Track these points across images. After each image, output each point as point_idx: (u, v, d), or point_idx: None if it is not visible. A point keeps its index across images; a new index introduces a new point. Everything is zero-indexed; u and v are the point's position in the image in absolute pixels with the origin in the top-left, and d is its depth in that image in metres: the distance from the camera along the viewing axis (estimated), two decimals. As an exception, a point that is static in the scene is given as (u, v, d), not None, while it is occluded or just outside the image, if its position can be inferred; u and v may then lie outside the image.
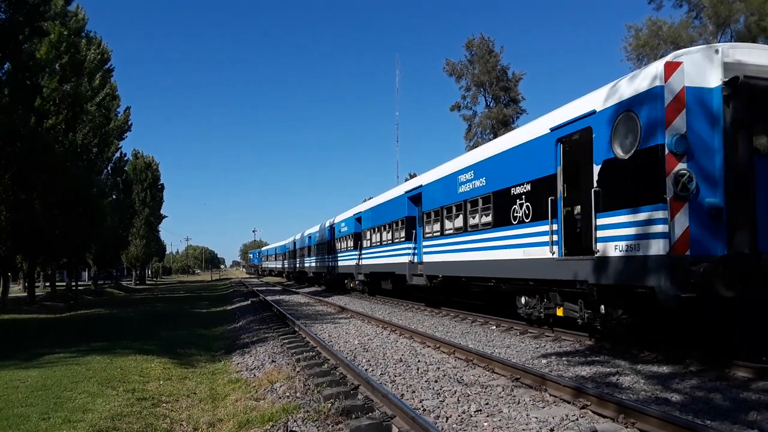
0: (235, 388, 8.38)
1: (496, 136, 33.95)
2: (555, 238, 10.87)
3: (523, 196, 12.21)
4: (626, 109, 9.07)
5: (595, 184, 9.76)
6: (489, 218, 13.77)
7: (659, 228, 8.20)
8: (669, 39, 16.18)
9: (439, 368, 8.88)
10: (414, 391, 7.38)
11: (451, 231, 16.21)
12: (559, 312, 11.35)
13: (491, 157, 13.91)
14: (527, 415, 6.19)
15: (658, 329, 9.76)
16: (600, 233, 9.55)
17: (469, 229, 15.00)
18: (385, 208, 23.38)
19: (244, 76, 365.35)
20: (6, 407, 6.79)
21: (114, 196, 38.40)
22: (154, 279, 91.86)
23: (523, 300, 12.82)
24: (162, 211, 65.68)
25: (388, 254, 22.50)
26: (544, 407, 6.53)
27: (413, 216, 20.08)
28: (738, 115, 8.15)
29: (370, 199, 28.60)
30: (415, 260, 19.53)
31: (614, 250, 9.18)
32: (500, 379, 7.96)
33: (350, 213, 29.62)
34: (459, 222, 15.68)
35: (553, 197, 10.93)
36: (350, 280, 29.84)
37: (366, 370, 8.78)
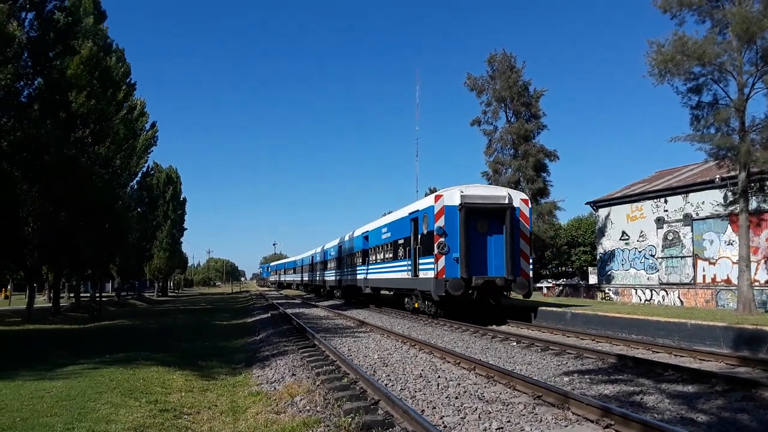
0: (256, 400, 8.40)
1: (516, 151, 34.09)
2: (410, 268, 21.11)
3: (402, 245, 22.63)
4: (424, 213, 19.60)
5: (419, 243, 20.26)
6: (392, 254, 24.16)
7: (432, 266, 18.38)
8: (695, 55, 16.07)
9: (459, 384, 8.82)
10: (434, 408, 7.33)
11: (380, 260, 26.13)
12: (416, 305, 21.61)
13: (392, 221, 24.65)
14: (549, 433, 6.11)
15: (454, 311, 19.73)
16: (419, 266, 20.00)
17: (385, 259, 25.16)
18: (352, 242, 33.06)
19: (265, 89, 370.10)
20: (31, 417, 6.91)
21: (139, 210, 38.94)
22: (176, 291, 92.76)
23: (405, 300, 23.43)
24: (183, 224, 66.45)
25: (354, 273, 31.83)
26: (566, 426, 6.44)
27: (366, 249, 29.16)
28: (465, 218, 18.08)
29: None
30: (367, 277, 28.47)
31: (423, 274, 19.53)
32: (522, 397, 7.87)
33: (336, 242, 39.13)
34: (382, 255, 25.91)
35: (410, 247, 21.32)
36: (337, 291, 39.37)
37: (386, 385, 8.74)
